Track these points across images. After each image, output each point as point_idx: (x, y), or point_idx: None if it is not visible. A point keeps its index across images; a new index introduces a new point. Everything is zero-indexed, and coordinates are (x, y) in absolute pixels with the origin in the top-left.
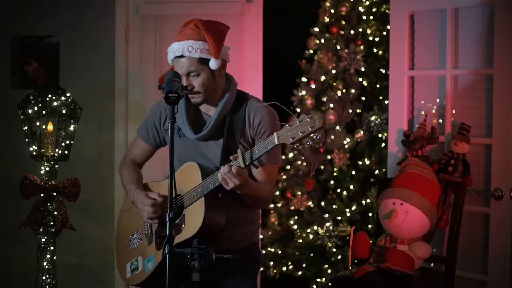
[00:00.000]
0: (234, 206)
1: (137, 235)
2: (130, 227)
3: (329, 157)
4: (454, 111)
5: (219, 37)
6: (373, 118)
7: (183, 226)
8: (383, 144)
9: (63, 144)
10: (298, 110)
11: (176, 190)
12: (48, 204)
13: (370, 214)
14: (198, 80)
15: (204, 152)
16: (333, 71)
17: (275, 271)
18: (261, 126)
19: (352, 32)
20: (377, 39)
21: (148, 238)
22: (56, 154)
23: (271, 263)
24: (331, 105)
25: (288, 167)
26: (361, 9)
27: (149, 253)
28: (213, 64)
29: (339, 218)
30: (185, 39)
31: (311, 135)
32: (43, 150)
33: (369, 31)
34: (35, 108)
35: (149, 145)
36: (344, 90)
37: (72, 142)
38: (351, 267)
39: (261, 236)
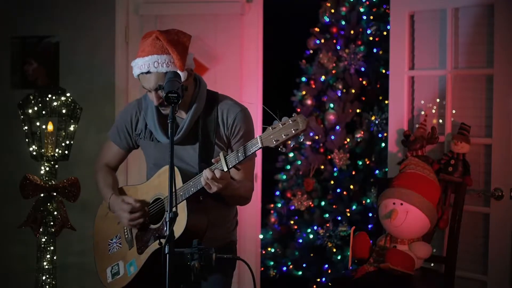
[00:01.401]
0: (212, 206)
1: (116, 239)
2: (107, 231)
3: (329, 157)
4: (454, 111)
5: (183, 49)
6: (373, 118)
7: (165, 229)
8: (383, 144)
9: (63, 144)
10: (298, 110)
11: (152, 193)
12: (48, 204)
13: (370, 214)
14: None
15: (180, 155)
16: (333, 71)
17: (275, 271)
18: (235, 125)
19: (352, 32)
20: (377, 39)
21: (128, 243)
22: (56, 154)
23: (271, 263)
24: (331, 105)
25: (288, 167)
26: (361, 9)
27: (130, 257)
28: (182, 76)
29: (339, 218)
30: (149, 55)
31: (295, 137)
32: (43, 150)
33: (369, 31)
34: (35, 108)
35: (121, 148)
36: (344, 90)
37: (72, 142)
38: (351, 267)
39: (261, 236)
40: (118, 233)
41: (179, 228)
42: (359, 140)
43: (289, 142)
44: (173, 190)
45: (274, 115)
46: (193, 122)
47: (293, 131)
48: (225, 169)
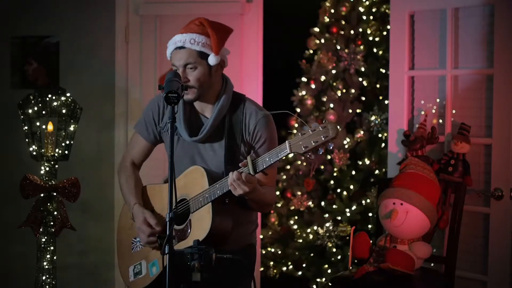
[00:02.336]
0: (234, 207)
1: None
2: (131, 230)
3: (329, 157)
4: (454, 111)
5: (222, 36)
6: (373, 118)
7: (189, 231)
8: (383, 144)
9: (63, 144)
10: (298, 110)
11: (177, 193)
12: (48, 204)
13: (370, 214)
14: (195, 73)
15: (203, 154)
16: (333, 71)
17: (275, 271)
18: (256, 131)
19: (352, 32)
20: (377, 39)
21: None
22: (56, 154)
23: (271, 263)
24: (331, 105)
25: (288, 167)
26: (361, 9)
27: (153, 257)
28: (212, 59)
29: (339, 218)
30: (189, 32)
31: (324, 144)
32: (43, 150)
33: (369, 31)
34: (35, 108)
35: (148, 142)
36: (344, 90)
37: (72, 142)
38: (351, 267)
39: (261, 236)
40: None
41: (202, 232)
42: (359, 140)
43: (317, 149)
44: (173, 190)
45: (303, 121)
46: (218, 121)
47: (323, 138)
48: (252, 173)
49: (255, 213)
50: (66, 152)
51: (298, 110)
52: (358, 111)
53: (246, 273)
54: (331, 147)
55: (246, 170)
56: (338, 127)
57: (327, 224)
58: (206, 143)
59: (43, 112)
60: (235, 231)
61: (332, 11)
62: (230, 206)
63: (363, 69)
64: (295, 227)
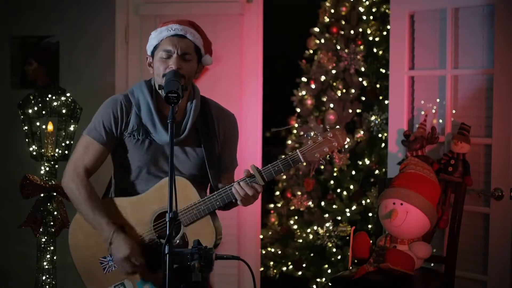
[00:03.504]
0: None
1: (111, 257)
2: (94, 249)
3: (329, 157)
4: (454, 111)
5: (209, 41)
6: (373, 118)
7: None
8: (383, 144)
9: (63, 144)
10: (298, 110)
11: (155, 206)
12: (48, 204)
13: (370, 214)
14: (188, 66)
15: (174, 159)
16: (333, 71)
17: (275, 271)
18: (228, 130)
19: (352, 32)
20: (377, 39)
21: None
22: (56, 154)
23: (271, 263)
24: (331, 105)
25: None
26: (361, 9)
27: (142, 274)
28: (208, 60)
29: (339, 218)
30: (186, 25)
31: (334, 152)
32: (43, 150)
33: (369, 31)
34: (35, 108)
35: (106, 148)
36: (344, 90)
37: (72, 142)
38: (351, 267)
39: (261, 236)
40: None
41: (208, 241)
42: (359, 140)
43: (328, 156)
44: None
45: (315, 133)
46: (194, 121)
47: (335, 144)
48: (262, 183)
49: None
50: (66, 152)
51: (298, 110)
52: (358, 111)
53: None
54: (341, 154)
55: (253, 181)
56: (345, 133)
57: (327, 224)
58: (177, 146)
59: (43, 112)
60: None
61: (332, 11)
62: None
63: (363, 69)
64: (295, 227)
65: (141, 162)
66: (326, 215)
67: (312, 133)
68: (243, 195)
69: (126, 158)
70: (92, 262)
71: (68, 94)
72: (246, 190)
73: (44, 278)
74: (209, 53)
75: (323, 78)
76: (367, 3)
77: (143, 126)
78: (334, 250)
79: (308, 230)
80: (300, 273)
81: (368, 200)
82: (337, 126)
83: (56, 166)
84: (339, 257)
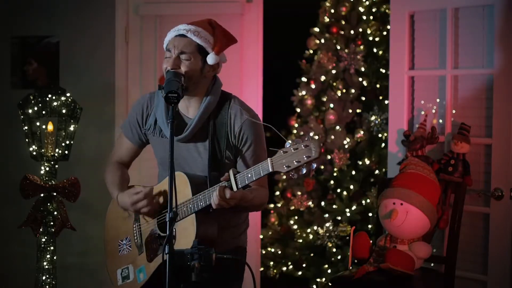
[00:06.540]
0: (220, 213)
1: (126, 241)
2: (118, 231)
3: (329, 157)
4: (454, 111)
5: (227, 41)
6: (373, 118)
7: (173, 241)
8: (383, 144)
9: (63, 144)
10: (298, 110)
11: (162, 200)
12: (48, 204)
13: (370, 214)
14: (187, 64)
15: (186, 157)
16: (333, 71)
17: (275, 271)
18: (242, 133)
19: (352, 32)
20: (377, 39)
21: (138, 248)
22: (56, 154)
23: (271, 263)
24: (331, 105)
25: None
26: (361, 9)
27: (140, 263)
28: (212, 58)
29: (339, 218)
30: (195, 25)
31: (307, 165)
32: (43, 150)
33: (369, 31)
34: (35, 108)
35: (133, 143)
36: (344, 90)
37: (72, 142)
38: (351, 267)
39: (261, 236)
40: (128, 235)
41: (187, 241)
42: (359, 140)
43: (300, 169)
44: (173, 191)
45: (282, 137)
46: (203, 120)
47: (305, 158)
48: (235, 189)
49: (244, 214)
50: (66, 152)
51: (298, 110)
52: (358, 111)
53: (236, 275)
54: (314, 168)
55: (228, 185)
56: (321, 145)
57: (327, 224)
58: (190, 143)
59: (43, 112)
60: (220, 235)
61: (332, 11)
62: (215, 213)
63: (363, 69)
64: (295, 227)
65: (159, 157)
66: (326, 215)
67: (289, 142)
68: (215, 201)
69: (154, 149)
70: (114, 241)
71: (68, 94)
72: (214, 198)
73: (44, 278)
74: (219, 50)
75: (323, 78)
76: (367, 3)
77: (157, 124)
78: (334, 250)
79: (308, 230)
80: (300, 273)
81: (368, 200)
82: (316, 137)
83: (56, 166)
84: (339, 257)
